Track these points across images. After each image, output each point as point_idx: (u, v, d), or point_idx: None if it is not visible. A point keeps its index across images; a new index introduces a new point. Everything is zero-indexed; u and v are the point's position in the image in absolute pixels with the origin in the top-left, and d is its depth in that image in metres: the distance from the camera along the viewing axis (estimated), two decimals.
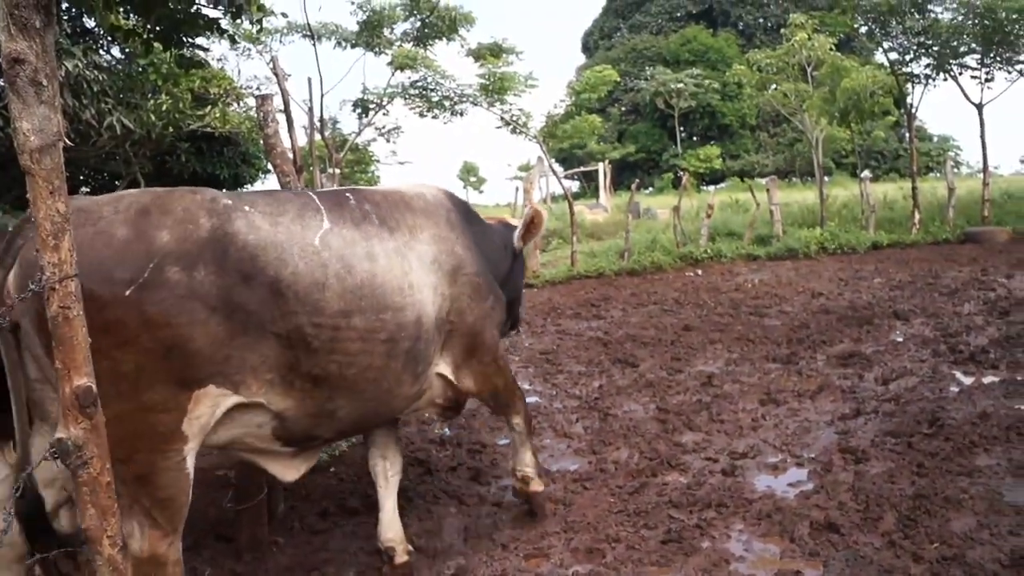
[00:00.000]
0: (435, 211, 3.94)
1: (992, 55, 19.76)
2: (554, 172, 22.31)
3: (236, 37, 10.44)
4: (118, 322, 2.71)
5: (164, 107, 11.57)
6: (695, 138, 60.92)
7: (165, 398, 2.84)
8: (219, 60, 17.23)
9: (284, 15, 16.14)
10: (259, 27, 15.72)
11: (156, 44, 7.27)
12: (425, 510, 4.79)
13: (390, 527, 4.06)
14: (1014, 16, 18.08)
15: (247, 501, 4.28)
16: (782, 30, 23.97)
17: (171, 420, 2.87)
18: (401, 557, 4.02)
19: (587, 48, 74.19)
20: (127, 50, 10.85)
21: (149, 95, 11.39)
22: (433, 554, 4.18)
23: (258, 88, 18.45)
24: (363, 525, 4.58)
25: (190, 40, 7.50)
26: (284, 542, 4.46)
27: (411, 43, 19.61)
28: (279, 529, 4.61)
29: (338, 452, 5.74)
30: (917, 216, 19.14)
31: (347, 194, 3.66)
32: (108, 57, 11.11)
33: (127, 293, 2.72)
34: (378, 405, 3.59)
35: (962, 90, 20.37)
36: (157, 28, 6.94)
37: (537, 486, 4.56)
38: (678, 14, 68.23)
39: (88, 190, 18.19)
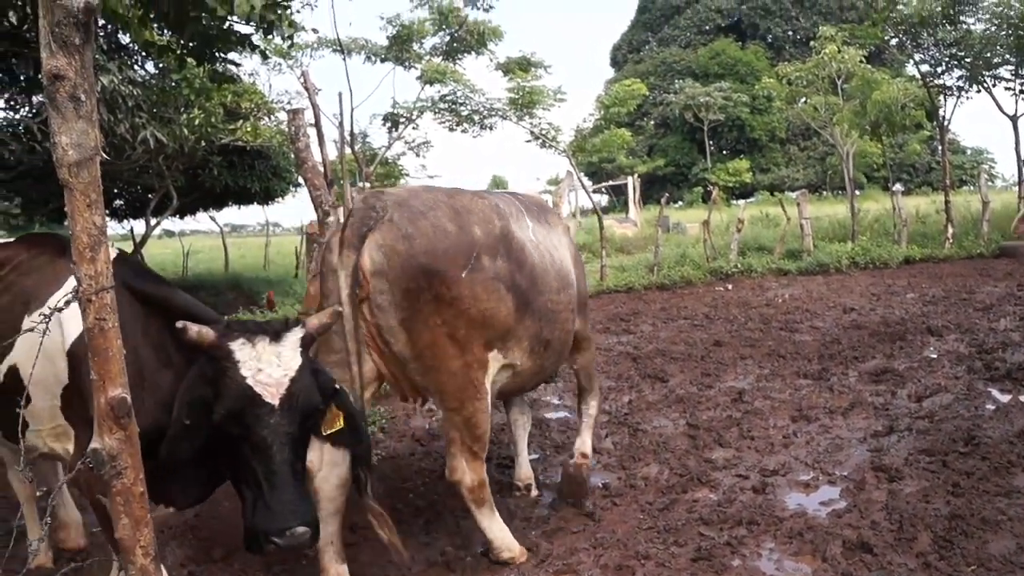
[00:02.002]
0: (554, 210, 5.16)
1: None
2: (583, 186, 22.26)
3: (267, 52, 10.55)
4: (459, 297, 3.65)
5: (197, 121, 11.75)
6: (724, 152, 60.73)
7: (479, 358, 3.80)
8: (251, 75, 17.45)
9: (315, 30, 16.26)
10: (290, 43, 15.89)
11: (189, 59, 7.40)
12: (454, 524, 4.78)
13: (523, 468, 5.31)
14: None
15: None
16: (811, 43, 23.87)
17: (481, 375, 3.84)
18: (534, 492, 5.25)
19: (616, 62, 74.27)
20: (161, 65, 11.01)
21: (182, 109, 11.56)
22: (462, 570, 4.16)
23: (289, 102, 18.69)
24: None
25: (222, 55, 7.63)
26: (311, 554, 4.45)
27: (440, 57, 19.74)
28: None
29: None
30: (950, 230, 18.88)
31: (521, 197, 4.69)
32: (142, 72, 11.29)
33: (463, 275, 3.66)
34: (559, 361, 4.71)
35: (996, 102, 20.14)
36: (190, 44, 7.06)
37: (585, 461, 5.15)
38: (707, 27, 68.18)
39: (122, 203, 18.48)
